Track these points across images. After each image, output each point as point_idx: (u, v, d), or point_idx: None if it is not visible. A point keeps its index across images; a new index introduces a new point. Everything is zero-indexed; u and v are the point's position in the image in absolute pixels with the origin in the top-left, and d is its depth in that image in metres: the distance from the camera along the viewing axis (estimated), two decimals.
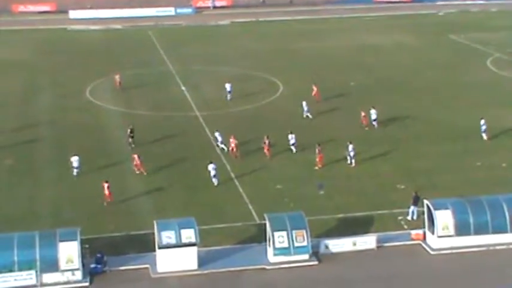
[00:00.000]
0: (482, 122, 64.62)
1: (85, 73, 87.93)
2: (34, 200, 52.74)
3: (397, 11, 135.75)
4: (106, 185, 51.60)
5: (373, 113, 67.63)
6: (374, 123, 67.33)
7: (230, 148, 60.25)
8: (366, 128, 66.86)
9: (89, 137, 64.71)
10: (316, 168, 57.96)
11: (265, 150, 60.16)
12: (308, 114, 70.04)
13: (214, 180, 54.71)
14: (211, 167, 54.83)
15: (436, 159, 59.75)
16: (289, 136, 61.43)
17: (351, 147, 58.42)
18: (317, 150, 58.19)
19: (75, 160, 56.65)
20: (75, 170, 56.51)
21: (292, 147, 61.15)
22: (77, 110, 73.65)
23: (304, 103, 70.46)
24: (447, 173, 57.04)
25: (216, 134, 62.19)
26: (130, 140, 62.67)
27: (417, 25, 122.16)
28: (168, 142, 63.88)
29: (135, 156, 56.98)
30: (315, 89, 75.80)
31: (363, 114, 67.39)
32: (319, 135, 62.73)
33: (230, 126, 65.22)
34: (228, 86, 76.73)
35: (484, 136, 64.33)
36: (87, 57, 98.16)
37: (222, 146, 61.38)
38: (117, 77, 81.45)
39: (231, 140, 60.23)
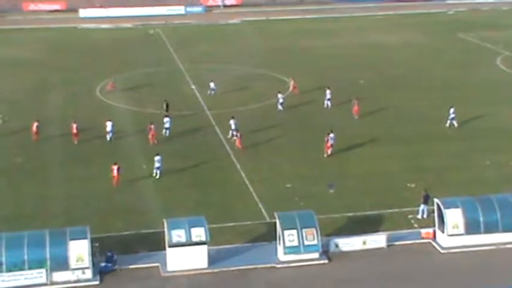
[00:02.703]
0: (452, 110, 66.60)
1: (95, 72, 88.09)
2: (44, 199, 52.76)
3: (406, 10, 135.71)
4: (115, 167, 52.77)
5: (328, 93, 72.43)
6: (326, 102, 72.33)
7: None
8: (356, 117, 68.97)
9: (99, 136, 64.71)
10: (325, 155, 59.18)
11: (237, 143, 61.31)
12: (280, 106, 71.74)
13: (157, 172, 55.51)
14: (156, 158, 55.60)
15: (446, 158, 59.70)
16: (231, 121, 63.72)
17: (331, 135, 59.56)
18: (326, 139, 59.49)
19: (109, 125, 63.10)
20: (110, 134, 62.94)
21: (234, 132, 62.74)
22: (87, 108, 73.71)
23: (279, 95, 72.47)
24: (457, 171, 57.02)
25: (165, 120, 64.68)
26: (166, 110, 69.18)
27: (427, 24, 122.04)
28: (178, 140, 63.96)
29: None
30: (292, 82, 78.19)
31: (355, 102, 69.75)
32: (324, 132, 62.59)
33: (240, 125, 65.25)
34: (212, 84, 77.81)
35: (448, 124, 66.39)
36: (97, 55, 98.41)
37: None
38: (108, 84, 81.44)
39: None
